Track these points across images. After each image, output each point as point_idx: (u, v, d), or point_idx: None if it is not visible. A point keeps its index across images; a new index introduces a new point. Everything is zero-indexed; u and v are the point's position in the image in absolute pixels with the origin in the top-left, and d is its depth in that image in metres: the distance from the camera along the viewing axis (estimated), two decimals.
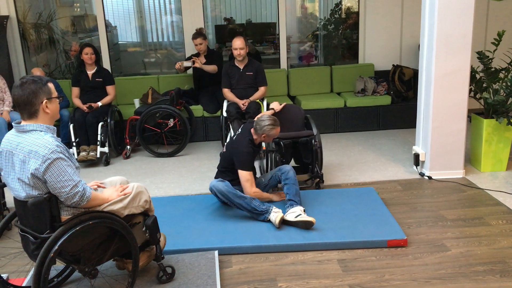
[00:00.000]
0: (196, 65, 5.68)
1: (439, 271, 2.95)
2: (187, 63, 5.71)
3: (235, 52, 5.23)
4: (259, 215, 3.53)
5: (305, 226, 3.41)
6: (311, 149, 4.19)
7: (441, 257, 3.11)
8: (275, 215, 3.46)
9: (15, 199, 2.44)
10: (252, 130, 3.79)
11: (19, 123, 2.39)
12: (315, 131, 4.26)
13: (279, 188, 3.97)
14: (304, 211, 3.55)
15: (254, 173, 4.03)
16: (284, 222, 3.48)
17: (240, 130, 3.95)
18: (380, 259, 3.11)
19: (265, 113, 4.21)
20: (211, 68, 5.72)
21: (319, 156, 4.24)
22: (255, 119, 3.87)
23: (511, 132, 4.42)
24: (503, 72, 4.47)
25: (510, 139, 4.45)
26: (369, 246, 3.25)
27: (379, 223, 3.46)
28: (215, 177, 3.86)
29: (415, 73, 6.04)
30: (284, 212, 3.52)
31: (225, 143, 4.26)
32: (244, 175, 3.67)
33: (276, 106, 4.44)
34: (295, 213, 3.49)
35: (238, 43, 5.20)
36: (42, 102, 2.35)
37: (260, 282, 2.91)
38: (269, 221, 3.51)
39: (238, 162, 3.71)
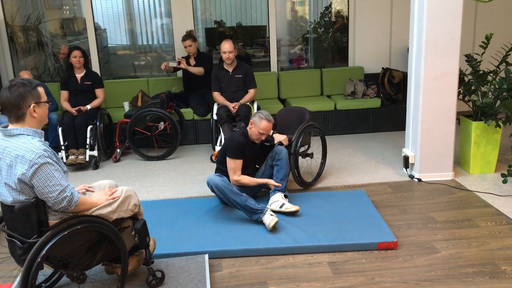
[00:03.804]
0: (182, 66, 5.66)
1: (429, 273, 2.96)
2: (173, 63, 5.71)
3: (224, 56, 5.24)
4: (253, 214, 3.52)
5: (291, 214, 3.57)
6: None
7: (431, 259, 3.12)
8: (271, 218, 3.46)
9: (1, 203, 2.40)
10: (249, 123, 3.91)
11: (6, 126, 2.36)
12: (294, 136, 4.19)
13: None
14: (286, 196, 3.69)
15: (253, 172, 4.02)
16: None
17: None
18: (371, 262, 3.11)
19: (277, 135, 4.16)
20: (197, 70, 5.71)
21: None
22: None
23: (500, 134, 4.46)
24: (491, 74, 4.50)
25: (499, 141, 4.49)
26: (359, 248, 3.25)
27: (369, 226, 3.47)
28: (215, 172, 3.89)
29: (404, 76, 6.07)
30: (265, 203, 3.65)
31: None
32: (228, 162, 3.77)
33: (284, 141, 4.12)
34: (278, 202, 3.62)
35: (226, 47, 5.20)
36: (29, 106, 2.32)
37: (251, 286, 2.90)
38: (262, 222, 3.50)
39: (227, 149, 3.81)
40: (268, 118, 3.80)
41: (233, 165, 3.75)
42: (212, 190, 3.71)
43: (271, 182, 3.80)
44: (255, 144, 3.94)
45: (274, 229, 3.43)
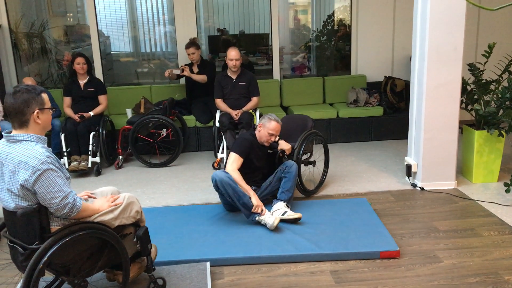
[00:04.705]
0: (185, 73, 5.68)
1: (431, 282, 2.94)
2: (176, 71, 5.73)
3: (231, 63, 5.25)
4: (251, 214, 3.56)
5: (293, 221, 3.60)
6: (278, 161, 4.10)
7: (433, 268, 3.10)
8: (274, 217, 3.51)
9: (4, 209, 2.40)
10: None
11: (10, 132, 2.37)
12: (296, 144, 4.17)
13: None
14: (288, 205, 3.71)
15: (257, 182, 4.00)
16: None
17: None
18: (373, 271, 3.10)
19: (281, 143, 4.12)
20: (200, 77, 5.72)
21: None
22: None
23: (502, 143, 4.45)
24: (494, 84, 4.50)
25: (501, 150, 4.48)
26: (361, 257, 3.23)
27: (371, 234, 3.46)
28: None
29: (407, 85, 6.07)
30: (269, 208, 3.64)
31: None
32: (230, 155, 3.79)
33: (287, 148, 4.08)
34: (280, 210, 3.64)
35: (233, 54, 5.22)
36: (33, 112, 2.33)
37: None
38: (259, 222, 3.56)
39: (233, 145, 3.87)
40: (276, 119, 3.90)
41: (233, 157, 3.75)
42: (216, 186, 3.70)
43: (253, 199, 3.59)
44: (263, 147, 3.97)
45: (277, 229, 3.45)
